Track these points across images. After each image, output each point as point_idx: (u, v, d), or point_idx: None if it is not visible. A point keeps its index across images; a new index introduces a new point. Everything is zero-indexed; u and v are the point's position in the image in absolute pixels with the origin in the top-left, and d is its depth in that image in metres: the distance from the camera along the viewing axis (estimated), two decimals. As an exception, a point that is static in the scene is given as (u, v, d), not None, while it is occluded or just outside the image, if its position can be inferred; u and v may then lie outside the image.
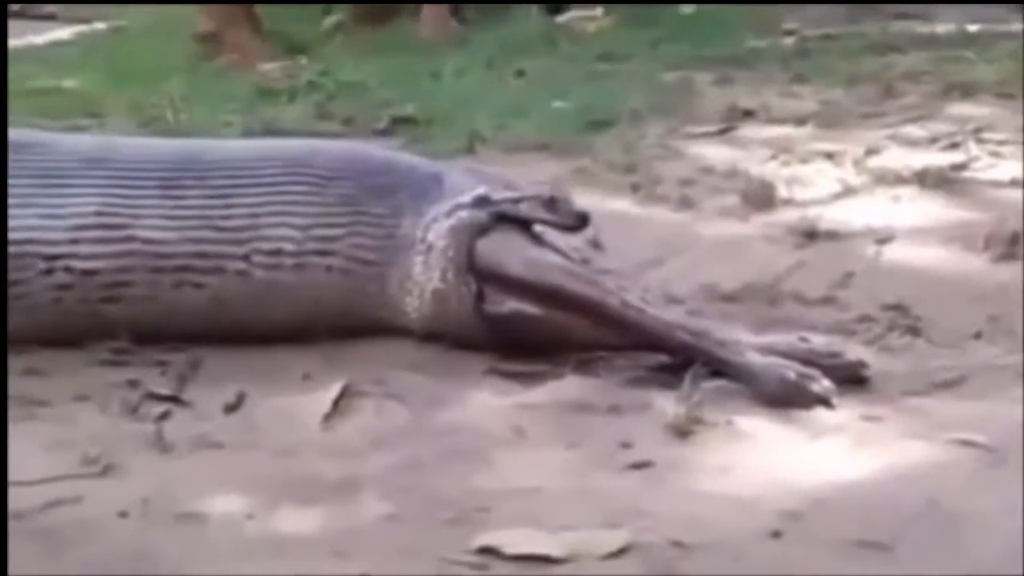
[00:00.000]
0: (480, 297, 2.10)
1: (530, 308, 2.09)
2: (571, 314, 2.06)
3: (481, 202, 2.13)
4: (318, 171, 2.12)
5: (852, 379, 1.95)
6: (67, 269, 2.04)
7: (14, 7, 5.25)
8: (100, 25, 4.78)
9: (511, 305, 2.09)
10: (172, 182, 2.08)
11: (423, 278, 2.11)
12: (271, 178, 2.11)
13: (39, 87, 3.98)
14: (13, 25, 5.04)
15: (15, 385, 1.94)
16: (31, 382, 1.97)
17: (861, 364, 1.97)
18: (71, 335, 2.05)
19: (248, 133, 3.26)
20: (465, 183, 2.16)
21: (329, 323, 2.11)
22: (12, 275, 2.03)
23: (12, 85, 4.02)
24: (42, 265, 2.03)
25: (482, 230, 2.10)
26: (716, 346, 1.97)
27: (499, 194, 2.14)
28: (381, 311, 2.13)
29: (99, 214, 2.05)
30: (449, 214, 2.11)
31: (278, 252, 2.08)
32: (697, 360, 1.96)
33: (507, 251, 2.09)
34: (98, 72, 4.15)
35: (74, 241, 2.04)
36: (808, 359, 1.95)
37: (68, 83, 4.02)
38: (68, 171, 2.08)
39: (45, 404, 1.91)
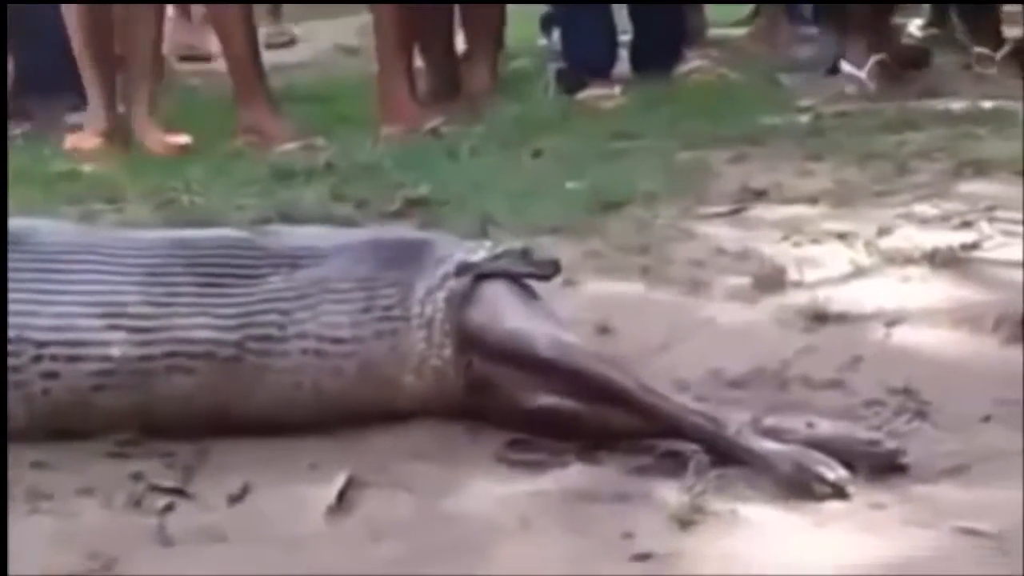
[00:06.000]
0: (469, 368, 2.11)
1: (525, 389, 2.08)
2: (590, 396, 2.05)
3: (464, 268, 2.14)
4: (289, 254, 2.12)
5: (891, 467, 1.93)
6: (53, 357, 2.04)
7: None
8: (121, 109, 4.79)
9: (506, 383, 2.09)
10: (160, 269, 2.09)
11: (428, 354, 2.11)
12: (250, 264, 2.11)
13: (58, 171, 4.00)
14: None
15: (22, 478, 1.95)
16: (36, 475, 1.97)
17: (899, 452, 1.95)
18: (70, 426, 2.05)
19: (262, 217, 3.27)
20: (447, 249, 2.17)
21: (319, 410, 2.09)
22: (12, 361, 2.04)
23: (33, 169, 4.05)
24: (32, 352, 2.04)
25: (469, 296, 2.11)
26: (734, 432, 1.96)
27: (477, 255, 2.16)
28: (371, 391, 2.11)
29: (85, 303, 2.06)
30: (440, 286, 2.12)
31: (267, 338, 2.07)
32: (713, 445, 1.96)
33: (523, 325, 2.10)
34: (118, 155, 4.17)
35: (59, 328, 2.05)
36: (847, 447, 1.94)
37: (86, 167, 4.04)
38: (56, 258, 2.09)
39: (49, 498, 1.91)
